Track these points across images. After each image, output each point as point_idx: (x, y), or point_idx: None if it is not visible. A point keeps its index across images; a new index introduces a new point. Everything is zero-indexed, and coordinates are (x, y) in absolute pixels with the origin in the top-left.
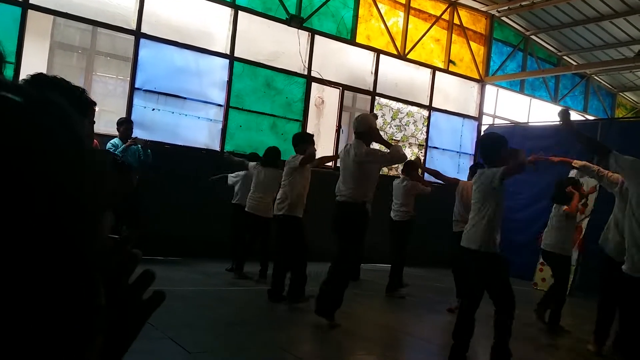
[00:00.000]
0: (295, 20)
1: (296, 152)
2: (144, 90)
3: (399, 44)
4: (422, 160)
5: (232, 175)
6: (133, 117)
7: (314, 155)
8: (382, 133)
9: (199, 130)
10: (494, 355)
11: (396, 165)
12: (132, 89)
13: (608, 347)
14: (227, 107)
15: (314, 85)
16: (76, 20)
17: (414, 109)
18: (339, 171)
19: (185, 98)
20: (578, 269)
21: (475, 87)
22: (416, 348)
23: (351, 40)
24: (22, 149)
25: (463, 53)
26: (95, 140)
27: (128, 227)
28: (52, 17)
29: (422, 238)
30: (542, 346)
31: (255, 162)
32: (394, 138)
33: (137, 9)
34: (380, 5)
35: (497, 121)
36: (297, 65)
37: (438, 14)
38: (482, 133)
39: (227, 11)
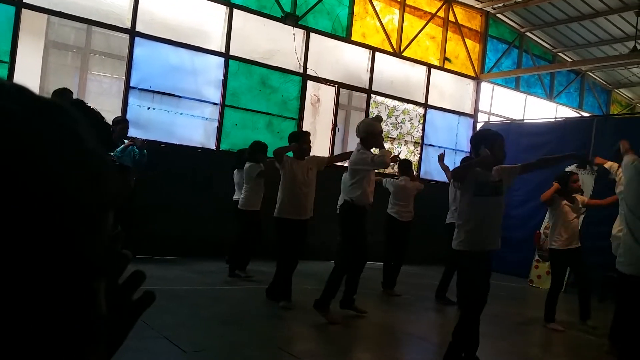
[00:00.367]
0: (290, 18)
1: None
2: (139, 89)
3: (394, 42)
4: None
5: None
6: (128, 116)
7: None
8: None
9: (194, 128)
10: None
11: (392, 164)
12: (127, 87)
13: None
14: (223, 105)
15: (310, 83)
16: (71, 19)
17: (410, 106)
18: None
19: (180, 97)
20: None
21: (470, 84)
22: (413, 346)
23: (346, 38)
24: (19, 154)
25: (458, 50)
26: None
27: (123, 227)
28: (46, 16)
29: (419, 236)
30: (537, 342)
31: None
32: (389, 136)
33: (132, 7)
34: (375, 3)
35: (493, 118)
36: (292, 63)
37: (433, 11)
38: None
39: (222, 9)
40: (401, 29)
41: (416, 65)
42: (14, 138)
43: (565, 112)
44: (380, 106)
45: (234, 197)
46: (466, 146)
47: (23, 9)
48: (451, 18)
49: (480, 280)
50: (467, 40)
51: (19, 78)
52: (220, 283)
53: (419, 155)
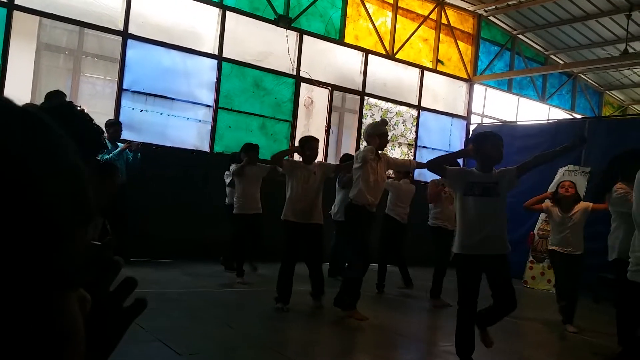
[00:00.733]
0: (283, 21)
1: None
2: (131, 91)
3: (387, 44)
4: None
5: None
6: (121, 119)
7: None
8: None
9: (188, 131)
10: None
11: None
12: (120, 90)
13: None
14: (216, 107)
15: (303, 85)
16: (62, 21)
17: (403, 108)
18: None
19: (173, 99)
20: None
21: (463, 86)
22: (408, 348)
23: (339, 40)
24: None
25: (451, 52)
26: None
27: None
28: (38, 18)
29: (414, 238)
30: (533, 343)
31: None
32: None
33: (124, 9)
34: (368, 5)
35: (486, 120)
36: (285, 65)
37: (426, 14)
38: (470, 132)
39: (215, 11)
40: (394, 31)
41: (409, 67)
42: None
43: (558, 114)
44: (373, 108)
45: (226, 200)
46: (459, 148)
47: (15, 11)
48: (444, 20)
49: (470, 286)
50: (459, 42)
51: (11, 80)
52: (214, 286)
53: (412, 158)
